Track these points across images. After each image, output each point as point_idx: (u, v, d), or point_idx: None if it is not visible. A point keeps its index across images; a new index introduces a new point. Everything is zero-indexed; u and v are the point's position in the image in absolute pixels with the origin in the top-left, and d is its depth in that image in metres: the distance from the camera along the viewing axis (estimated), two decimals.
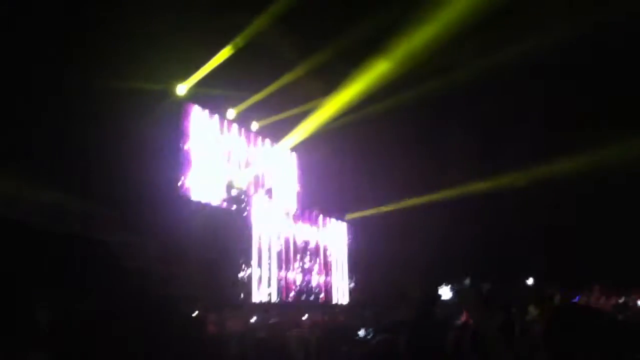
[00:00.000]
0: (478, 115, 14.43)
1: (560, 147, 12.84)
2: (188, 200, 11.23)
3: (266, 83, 12.83)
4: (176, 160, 11.28)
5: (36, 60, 7.97)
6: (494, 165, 14.26)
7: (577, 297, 11.52)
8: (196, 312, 9.74)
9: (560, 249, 14.31)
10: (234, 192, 12.06)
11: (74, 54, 8.61)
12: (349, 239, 16.52)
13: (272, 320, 10.49)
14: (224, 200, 11.95)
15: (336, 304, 15.05)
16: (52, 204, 7.45)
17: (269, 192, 14.07)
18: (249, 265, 12.08)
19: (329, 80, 12.78)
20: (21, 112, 7.61)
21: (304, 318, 12.10)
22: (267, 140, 14.43)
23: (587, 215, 14.35)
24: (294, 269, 13.72)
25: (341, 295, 15.63)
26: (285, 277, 13.34)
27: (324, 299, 14.70)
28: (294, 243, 14.07)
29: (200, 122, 12.18)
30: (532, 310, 5.93)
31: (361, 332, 9.05)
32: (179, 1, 10.19)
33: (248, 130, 13.86)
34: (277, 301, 12.75)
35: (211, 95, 12.26)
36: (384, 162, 15.50)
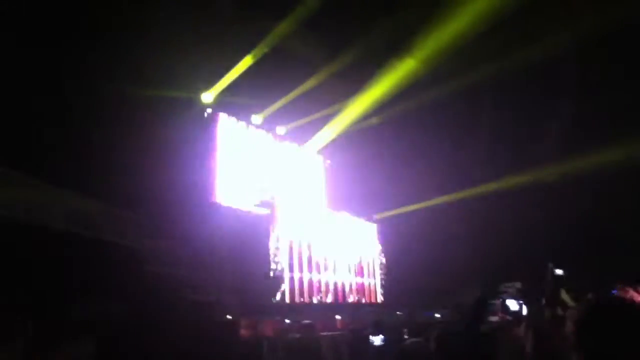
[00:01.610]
0: (507, 112, 14.24)
1: (591, 141, 12.61)
2: (218, 206, 11.38)
3: (291, 87, 12.93)
4: (205, 167, 11.45)
5: (67, 66, 8.17)
6: (524, 160, 14.06)
7: (614, 290, 11.16)
8: (228, 317, 9.85)
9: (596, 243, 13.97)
10: (263, 197, 12.16)
11: (104, 61, 8.81)
12: (379, 239, 16.48)
13: (304, 322, 10.54)
14: (254, 205, 12.07)
15: (369, 304, 15.03)
16: (84, 211, 7.63)
17: (297, 195, 14.16)
18: (280, 268, 12.16)
19: (354, 82, 12.80)
20: (54, 120, 7.81)
21: (336, 319, 12.14)
22: (294, 144, 14.52)
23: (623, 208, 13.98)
24: (325, 271, 13.75)
25: (374, 295, 15.60)
26: (316, 280, 13.38)
27: (356, 299, 14.69)
28: (325, 245, 14.10)
29: (227, 129, 12.35)
30: (567, 300, 5.57)
31: (376, 339, 8.66)
32: (203, 9, 10.34)
33: (275, 134, 13.98)
34: (309, 303, 12.80)
35: (237, 102, 12.43)
36: (412, 161, 15.42)
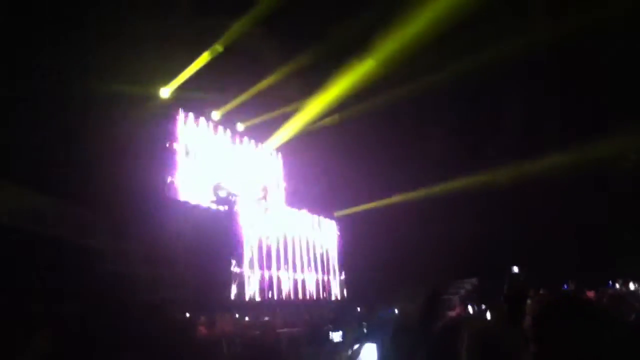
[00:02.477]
0: (464, 113, 14.58)
1: (545, 145, 13.07)
2: (176, 202, 11.26)
3: (250, 85, 12.89)
4: (163, 163, 11.31)
5: (21, 61, 7.95)
6: (480, 161, 14.41)
7: (564, 286, 11.59)
8: (186, 314, 9.77)
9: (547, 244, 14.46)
10: (221, 194, 12.09)
11: (60, 57, 8.61)
12: (338, 236, 16.62)
13: (263, 319, 10.56)
14: (212, 202, 11.99)
15: (326, 301, 15.14)
16: (37, 208, 7.45)
17: (256, 192, 14.14)
18: (238, 265, 12.13)
19: (312, 80, 12.86)
20: (7, 116, 7.60)
21: (293, 315, 12.17)
22: (253, 141, 14.49)
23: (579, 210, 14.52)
24: (284, 268, 13.79)
25: (333, 292, 15.72)
26: (276, 276, 13.40)
27: (314, 296, 14.78)
28: (283, 242, 14.14)
29: (185, 125, 12.23)
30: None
31: (335, 335, 8.54)
32: (162, 5, 10.21)
33: (233, 131, 13.91)
34: (267, 300, 12.82)
35: (195, 97, 12.31)
36: (370, 160, 15.61)
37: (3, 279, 5.54)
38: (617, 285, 11.20)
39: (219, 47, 11.68)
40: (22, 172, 7.21)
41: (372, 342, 2.28)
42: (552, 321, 1.92)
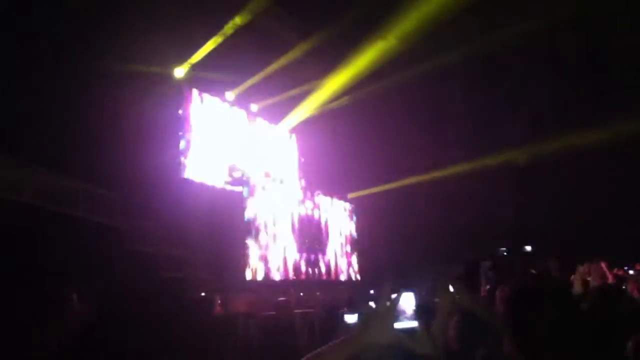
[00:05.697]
0: (479, 92, 14.41)
1: (564, 123, 12.89)
2: (190, 183, 11.27)
3: (264, 65, 12.79)
4: (177, 143, 11.30)
5: (33, 43, 7.93)
6: (496, 141, 14.27)
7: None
8: (203, 294, 9.82)
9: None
10: (236, 174, 12.08)
11: (72, 36, 8.57)
12: (351, 217, 16.60)
13: (278, 299, 10.59)
14: (226, 182, 11.99)
15: (341, 282, 15.18)
16: (55, 188, 7.47)
17: (270, 173, 14.12)
18: (253, 246, 12.16)
19: (328, 60, 12.73)
20: (18, 97, 7.59)
21: (308, 296, 12.21)
22: (267, 122, 14.42)
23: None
24: (298, 249, 13.81)
25: (347, 273, 15.75)
26: (291, 257, 13.43)
27: (328, 277, 14.81)
28: (298, 223, 14.14)
29: (199, 105, 12.18)
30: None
31: (351, 317, 8.49)
32: None
33: (248, 112, 13.85)
34: (282, 280, 12.86)
35: (210, 78, 12.24)
36: (386, 140, 15.51)
37: (25, 258, 5.57)
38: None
39: (233, 27, 11.58)
40: (39, 154, 7.22)
41: (410, 290, 2.25)
42: (519, 306, 1.88)
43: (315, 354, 1.62)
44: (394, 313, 1.74)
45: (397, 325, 1.90)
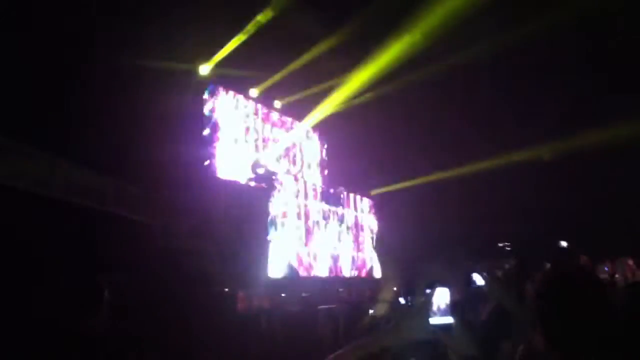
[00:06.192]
0: (506, 86, 14.21)
1: (589, 119, 12.68)
2: (215, 179, 11.35)
3: (288, 61, 12.80)
4: (203, 140, 11.39)
5: (61, 39, 8.04)
6: (522, 138, 14.11)
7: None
8: (226, 290, 9.91)
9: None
10: (260, 171, 12.13)
11: (98, 32, 8.68)
12: (375, 214, 16.55)
13: (301, 295, 10.63)
14: (251, 179, 12.05)
15: (365, 279, 15.15)
16: (84, 184, 7.59)
17: (294, 169, 14.16)
18: (277, 241, 12.20)
19: (352, 56, 12.69)
20: (47, 92, 7.71)
21: (331, 292, 12.23)
22: (291, 119, 14.45)
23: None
24: (322, 245, 13.82)
25: (370, 270, 15.71)
26: (314, 254, 13.44)
27: (353, 274, 14.80)
28: (322, 219, 14.15)
29: (224, 102, 12.26)
30: None
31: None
32: None
33: (271, 108, 13.90)
34: (306, 277, 12.89)
35: (234, 74, 12.31)
36: (409, 138, 15.42)
37: (56, 252, 5.68)
38: None
39: (257, 24, 11.62)
40: (68, 150, 7.34)
41: (444, 286, 2.24)
42: (550, 297, 1.87)
43: (353, 347, 1.62)
44: (428, 309, 1.73)
45: (432, 321, 1.89)
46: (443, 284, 2.09)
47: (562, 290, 1.86)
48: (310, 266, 13.24)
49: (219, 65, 11.90)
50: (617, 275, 9.65)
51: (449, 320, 2.03)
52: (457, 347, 1.90)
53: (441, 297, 2.07)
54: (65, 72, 7.86)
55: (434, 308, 2.02)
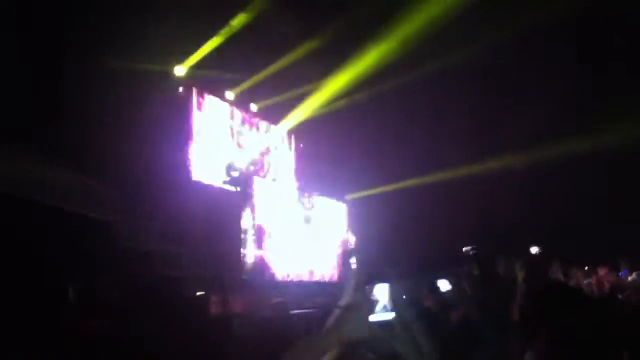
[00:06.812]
0: (479, 94, 14.43)
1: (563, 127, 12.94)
2: (189, 182, 11.24)
3: (264, 65, 12.79)
4: (176, 142, 11.27)
5: (36, 41, 7.93)
6: (495, 145, 14.32)
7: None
8: (199, 293, 9.80)
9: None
10: (234, 174, 12.04)
11: (73, 34, 8.57)
12: (349, 219, 16.58)
13: (276, 300, 10.54)
14: (225, 182, 11.95)
15: (335, 283, 15.13)
16: (54, 184, 7.44)
17: (268, 173, 14.11)
18: (250, 245, 12.13)
19: (328, 62, 12.75)
20: (21, 93, 7.59)
21: (305, 296, 12.18)
22: (266, 122, 14.40)
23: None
24: (296, 249, 13.78)
25: (340, 274, 15.71)
26: (288, 258, 13.40)
27: (327, 278, 14.79)
28: (295, 223, 14.12)
29: (199, 104, 12.15)
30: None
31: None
32: None
33: (247, 111, 13.83)
34: (279, 281, 12.83)
35: (210, 76, 12.23)
36: (384, 143, 15.53)
37: (23, 252, 5.55)
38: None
39: (234, 26, 11.58)
40: (39, 149, 7.22)
41: (384, 282, 2.24)
42: (537, 311, 1.96)
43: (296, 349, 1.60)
44: (368, 306, 1.72)
45: (373, 317, 1.88)
46: (383, 280, 2.09)
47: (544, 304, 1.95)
48: (284, 270, 13.20)
49: (195, 67, 11.81)
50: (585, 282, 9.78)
51: (390, 316, 2.03)
52: (400, 347, 1.91)
53: (382, 294, 2.07)
54: (35, 73, 7.74)
55: (380, 304, 2.02)
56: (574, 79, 13.43)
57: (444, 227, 15.09)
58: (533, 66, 13.79)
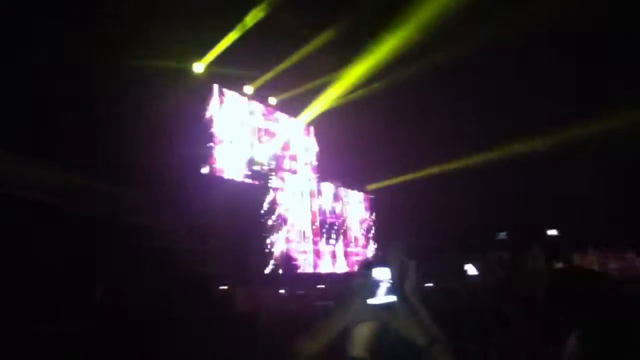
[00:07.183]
0: (495, 82, 14.24)
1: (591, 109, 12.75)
2: (211, 177, 11.35)
3: (283, 58, 12.79)
4: (198, 138, 11.38)
5: (58, 40, 8.02)
6: (512, 132, 14.16)
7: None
8: (224, 287, 9.93)
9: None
10: (256, 167, 12.15)
11: (95, 33, 8.66)
12: (370, 209, 16.59)
13: (298, 292, 10.66)
14: (247, 176, 12.06)
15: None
16: (81, 188, 7.59)
17: (290, 166, 14.17)
18: (274, 238, 12.23)
19: (347, 53, 12.69)
20: (44, 94, 7.70)
21: (329, 288, 12.25)
22: (286, 115, 14.44)
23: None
24: (318, 241, 13.86)
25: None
26: (311, 250, 13.48)
27: (350, 270, 14.85)
28: (318, 215, 14.18)
29: (219, 100, 12.24)
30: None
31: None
32: None
33: (266, 105, 13.89)
34: (302, 274, 12.93)
35: (229, 72, 12.29)
36: (403, 132, 15.44)
37: (52, 256, 5.69)
38: None
39: (251, 21, 11.60)
40: (64, 154, 7.33)
41: (385, 266, 2.27)
42: (558, 292, 1.96)
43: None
44: (369, 289, 1.75)
45: (374, 301, 1.91)
46: (382, 265, 2.12)
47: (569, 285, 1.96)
48: (307, 263, 13.29)
49: (214, 62, 11.88)
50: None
51: (392, 298, 2.05)
52: (403, 331, 1.94)
53: (384, 276, 2.09)
54: (57, 74, 7.85)
55: (383, 288, 2.04)
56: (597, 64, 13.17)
57: (463, 215, 15.01)
58: (558, 50, 13.53)
